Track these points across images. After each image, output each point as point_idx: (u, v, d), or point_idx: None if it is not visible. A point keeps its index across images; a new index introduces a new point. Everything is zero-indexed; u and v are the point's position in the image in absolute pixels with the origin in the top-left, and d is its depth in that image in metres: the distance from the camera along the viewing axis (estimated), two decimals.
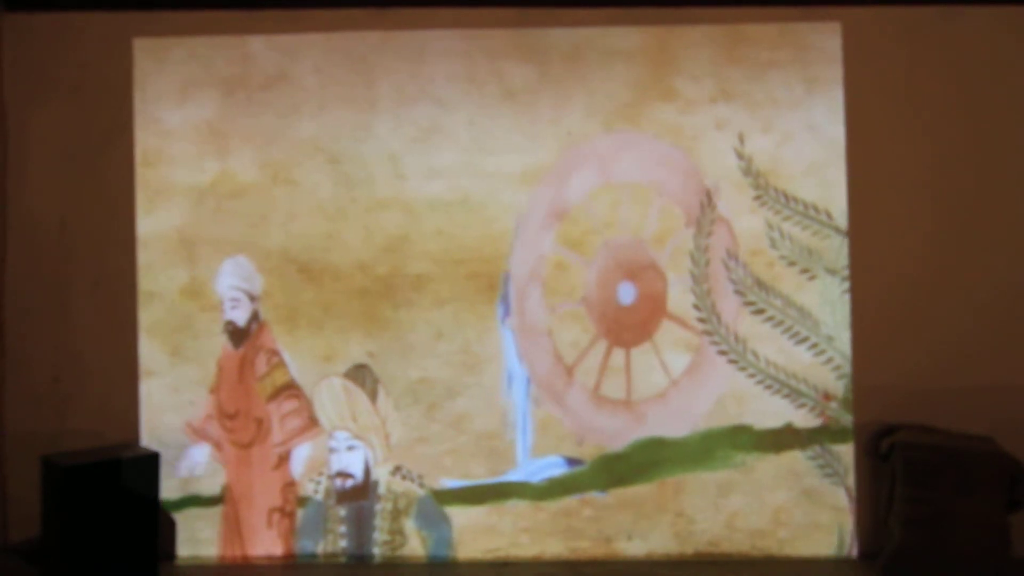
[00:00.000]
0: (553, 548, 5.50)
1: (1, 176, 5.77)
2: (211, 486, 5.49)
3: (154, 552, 5.26)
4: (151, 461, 5.31)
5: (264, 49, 5.63)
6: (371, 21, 5.66)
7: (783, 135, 5.51)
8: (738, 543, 5.52)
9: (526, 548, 5.50)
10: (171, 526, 5.60)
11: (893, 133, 5.57)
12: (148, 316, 5.62)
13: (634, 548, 5.50)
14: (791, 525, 5.48)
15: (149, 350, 5.61)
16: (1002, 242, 5.58)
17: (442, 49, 5.58)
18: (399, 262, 5.57)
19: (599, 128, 5.54)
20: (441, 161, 5.57)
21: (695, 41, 5.54)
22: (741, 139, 5.36)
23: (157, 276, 5.59)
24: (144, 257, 5.64)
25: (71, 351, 5.72)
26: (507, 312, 5.35)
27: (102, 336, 5.70)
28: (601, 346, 5.44)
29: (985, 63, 5.58)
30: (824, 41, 5.53)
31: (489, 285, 5.57)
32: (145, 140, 5.65)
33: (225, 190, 5.63)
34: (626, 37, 5.56)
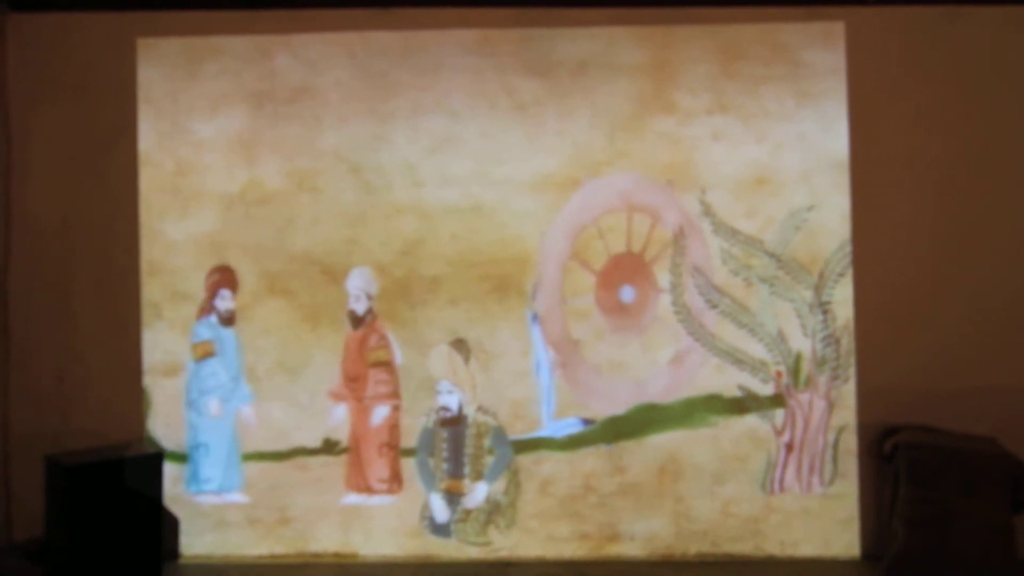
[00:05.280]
0: (560, 531, 5.37)
1: (5, 176, 5.48)
2: (313, 439, 5.45)
3: (157, 551, 5.04)
4: (154, 460, 5.09)
5: (289, 65, 5.45)
6: (376, 21, 5.43)
7: (775, 145, 5.36)
8: (733, 530, 5.32)
9: (535, 532, 5.38)
10: (174, 525, 5.39)
11: (896, 133, 5.31)
12: (179, 315, 5.46)
13: (637, 543, 5.35)
14: (783, 512, 5.32)
15: (182, 348, 5.46)
16: (1005, 243, 5.30)
17: (456, 65, 5.40)
18: (415, 264, 5.42)
19: (603, 139, 5.41)
20: (455, 170, 5.42)
21: (694, 57, 5.36)
22: (703, 190, 5.34)
23: (189, 277, 5.45)
24: (178, 260, 5.46)
25: (74, 351, 5.45)
26: (535, 315, 5.42)
27: (105, 336, 5.46)
28: (609, 335, 5.44)
29: (989, 63, 5.30)
30: (815, 57, 5.34)
31: (500, 286, 5.40)
32: (179, 151, 5.46)
33: (253, 197, 5.46)
34: (629, 53, 5.37)
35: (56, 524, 4.84)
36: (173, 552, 5.39)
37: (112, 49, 5.48)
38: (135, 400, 5.46)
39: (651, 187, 5.41)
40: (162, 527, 5.12)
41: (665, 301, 5.43)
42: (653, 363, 5.42)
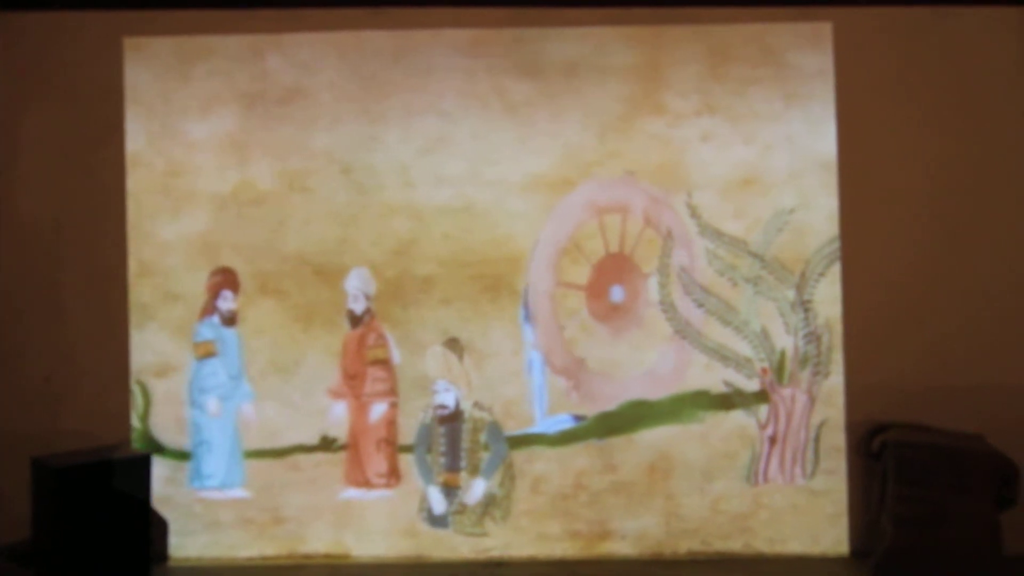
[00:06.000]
0: (552, 529, 5.35)
1: None
2: (311, 436, 5.42)
3: (146, 553, 4.97)
4: (143, 462, 5.03)
5: (281, 66, 5.40)
6: (367, 20, 5.39)
7: (763, 146, 5.37)
8: (723, 527, 5.31)
9: (526, 531, 5.36)
10: (163, 527, 5.32)
11: (885, 133, 5.31)
12: (173, 315, 5.39)
13: (628, 540, 5.35)
14: (772, 508, 5.32)
15: (174, 348, 5.40)
16: (994, 242, 5.29)
17: (448, 66, 5.38)
18: (408, 265, 5.39)
19: (594, 139, 5.39)
20: (447, 170, 5.39)
21: (683, 59, 5.35)
22: (690, 194, 5.37)
23: (182, 278, 5.40)
24: (170, 260, 5.40)
25: (63, 351, 5.37)
26: (528, 314, 5.42)
27: (94, 336, 5.38)
28: (599, 333, 5.45)
29: (978, 63, 5.30)
30: (802, 59, 5.35)
31: (492, 286, 5.37)
32: (171, 151, 5.40)
33: (245, 198, 5.41)
34: (619, 55, 5.36)
35: (43, 527, 4.76)
36: (162, 554, 5.32)
37: (100, 48, 5.40)
38: (124, 401, 5.38)
39: (613, 185, 5.42)
40: (150, 529, 5.05)
41: (654, 294, 5.46)
42: (643, 360, 5.42)
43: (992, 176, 5.34)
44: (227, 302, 5.44)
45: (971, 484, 4.73)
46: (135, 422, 5.42)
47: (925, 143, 5.33)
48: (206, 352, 5.44)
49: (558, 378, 5.42)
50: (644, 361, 5.43)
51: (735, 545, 5.35)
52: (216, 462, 5.44)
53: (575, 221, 5.42)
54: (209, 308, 5.46)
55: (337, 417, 5.45)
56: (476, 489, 5.41)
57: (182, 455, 5.44)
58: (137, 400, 5.42)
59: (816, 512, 5.35)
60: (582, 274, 5.45)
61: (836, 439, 5.36)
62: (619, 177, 5.41)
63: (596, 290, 5.45)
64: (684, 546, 5.36)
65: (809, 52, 5.41)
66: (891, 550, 4.83)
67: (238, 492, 5.43)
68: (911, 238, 5.32)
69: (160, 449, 5.39)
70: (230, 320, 5.45)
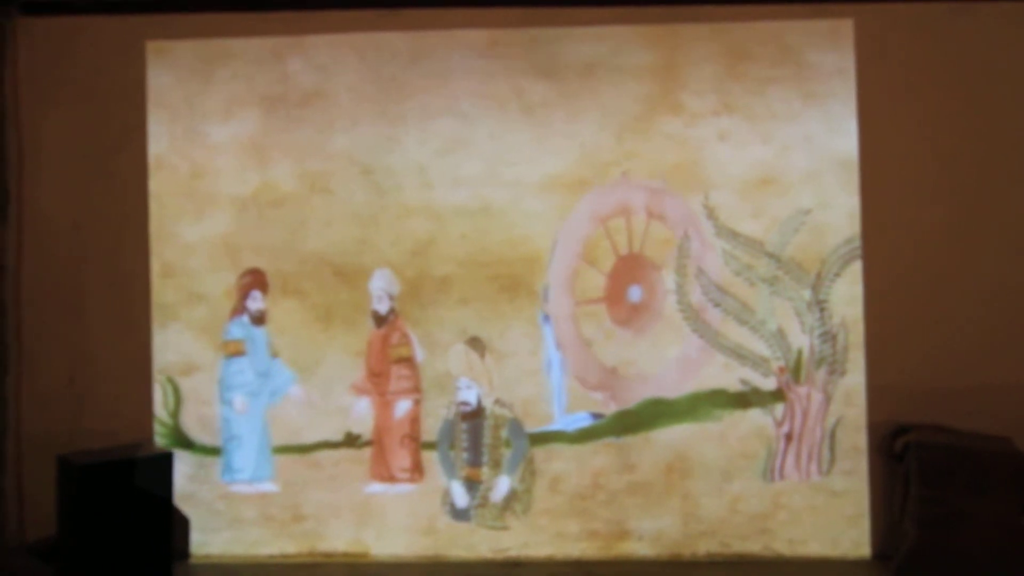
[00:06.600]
0: (569, 529, 5.33)
1: (16, 178, 5.45)
2: (335, 433, 5.47)
3: (168, 550, 5.01)
4: (165, 460, 5.08)
5: (301, 69, 5.43)
6: (382, 22, 5.40)
7: (781, 146, 5.32)
8: (742, 528, 5.27)
9: (545, 530, 5.35)
10: (185, 524, 5.37)
11: (906, 130, 5.24)
12: (195, 315, 5.45)
13: (645, 541, 5.32)
14: (791, 509, 5.27)
15: (197, 348, 5.45)
16: (1017, 239, 5.21)
17: (465, 68, 5.38)
18: (426, 265, 5.40)
19: (611, 140, 5.38)
20: (465, 171, 5.39)
21: (700, 59, 5.31)
22: (707, 195, 5.33)
23: (204, 278, 5.44)
24: (193, 261, 5.45)
25: (86, 352, 5.42)
26: (547, 317, 5.42)
27: (116, 337, 5.44)
28: (617, 333, 5.44)
29: (996, 59, 5.22)
30: (821, 58, 5.29)
31: (509, 286, 5.37)
32: (193, 154, 5.45)
33: (266, 199, 5.44)
34: (636, 55, 5.33)
35: (68, 524, 4.79)
36: (183, 551, 5.37)
37: (121, 52, 5.45)
38: (147, 400, 5.44)
39: (610, 190, 5.40)
40: (172, 527, 5.09)
41: (671, 283, 5.45)
42: (661, 359, 5.41)
43: (1016, 173, 5.25)
44: (256, 302, 5.51)
45: (995, 486, 4.65)
46: (165, 418, 5.48)
47: (947, 140, 5.25)
48: (235, 351, 5.52)
49: (594, 393, 5.42)
50: (672, 352, 5.40)
51: (754, 546, 5.30)
52: (245, 457, 5.51)
53: (580, 237, 5.40)
54: (239, 308, 5.52)
55: (360, 413, 5.49)
56: (500, 486, 5.44)
57: (209, 451, 5.48)
58: (168, 397, 5.48)
59: (836, 513, 5.29)
60: (598, 286, 5.43)
61: (856, 439, 5.29)
62: (615, 181, 5.39)
63: (614, 297, 5.44)
64: (702, 547, 5.32)
65: (829, 50, 5.34)
66: (913, 552, 4.76)
67: (267, 486, 5.50)
68: (933, 236, 5.24)
69: (189, 445, 5.44)
70: (259, 319, 5.52)
